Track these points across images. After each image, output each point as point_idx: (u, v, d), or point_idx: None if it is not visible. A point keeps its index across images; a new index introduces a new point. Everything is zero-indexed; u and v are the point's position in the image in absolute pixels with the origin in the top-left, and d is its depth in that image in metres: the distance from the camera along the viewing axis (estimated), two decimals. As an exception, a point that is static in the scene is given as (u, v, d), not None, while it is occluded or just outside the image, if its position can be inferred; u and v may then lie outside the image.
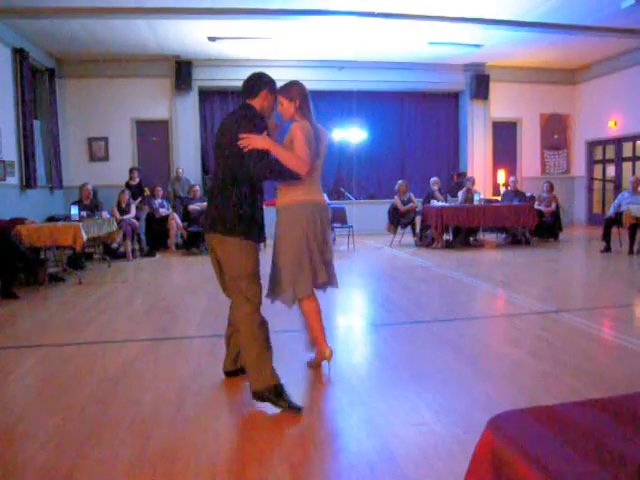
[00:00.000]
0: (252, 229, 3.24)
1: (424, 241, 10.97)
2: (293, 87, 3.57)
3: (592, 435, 1.43)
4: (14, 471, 2.48)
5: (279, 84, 3.51)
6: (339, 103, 14.01)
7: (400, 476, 2.34)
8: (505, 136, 14.51)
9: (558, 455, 1.35)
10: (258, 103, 3.40)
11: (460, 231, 11.09)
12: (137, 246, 10.49)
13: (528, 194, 11.94)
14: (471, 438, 1.72)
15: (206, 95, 13.45)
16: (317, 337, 3.64)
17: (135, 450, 2.63)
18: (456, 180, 13.22)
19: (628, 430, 1.45)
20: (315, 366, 3.75)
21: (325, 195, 3.58)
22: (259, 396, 3.13)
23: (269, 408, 3.10)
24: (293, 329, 4.38)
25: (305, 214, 3.49)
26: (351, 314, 5.75)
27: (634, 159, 13.18)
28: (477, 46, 12.07)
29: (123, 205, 10.44)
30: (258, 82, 3.45)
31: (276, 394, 3.09)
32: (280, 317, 4.28)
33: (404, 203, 11.19)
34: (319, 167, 3.60)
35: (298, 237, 3.48)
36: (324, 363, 3.71)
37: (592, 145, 14.47)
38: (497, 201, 12.14)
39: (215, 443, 2.71)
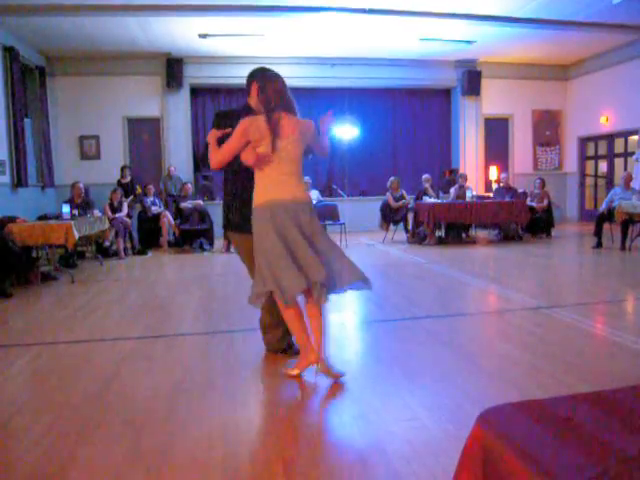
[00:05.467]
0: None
1: (416, 238, 10.98)
2: (256, 75, 3.56)
3: (582, 429, 1.44)
4: (6, 469, 2.47)
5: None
6: (331, 100, 13.95)
7: (392, 472, 2.35)
8: (497, 132, 14.54)
9: (548, 449, 1.36)
10: (252, 99, 3.52)
11: (452, 228, 11.11)
12: (129, 244, 10.46)
13: (520, 190, 11.98)
14: (463, 433, 1.73)
15: (197, 92, 13.42)
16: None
17: (128, 448, 2.62)
18: (448, 177, 13.25)
19: (618, 424, 1.46)
20: (297, 374, 3.51)
21: (297, 190, 3.38)
22: None
23: (262, 406, 3.10)
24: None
25: (261, 218, 3.32)
26: (343, 311, 5.75)
27: (626, 155, 13.23)
28: (469, 42, 12.09)
29: (115, 203, 10.41)
30: (248, 79, 3.66)
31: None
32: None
33: (396, 200, 11.20)
34: (285, 164, 3.34)
35: (256, 239, 3.39)
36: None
37: (584, 141, 14.52)
38: (489, 197, 12.17)
39: (208, 440, 2.70)
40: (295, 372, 3.46)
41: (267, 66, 3.75)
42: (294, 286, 3.20)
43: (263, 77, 3.43)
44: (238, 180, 3.66)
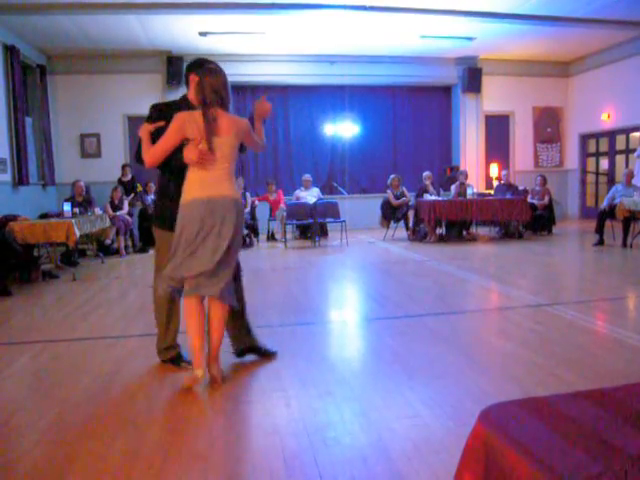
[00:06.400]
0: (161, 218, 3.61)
1: (417, 235, 10.98)
2: (193, 68, 3.44)
3: (583, 426, 1.44)
4: (8, 467, 2.47)
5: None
6: (331, 98, 13.99)
7: (393, 469, 2.35)
8: (498, 129, 14.51)
9: (549, 446, 1.36)
10: (190, 93, 3.47)
11: (453, 225, 11.10)
12: (130, 242, 10.47)
13: (521, 187, 11.96)
14: (464, 431, 1.73)
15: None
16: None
17: (129, 446, 2.63)
18: (449, 174, 13.24)
19: (619, 421, 1.46)
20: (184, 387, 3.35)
21: (225, 188, 3.29)
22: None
23: (263, 403, 3.11)
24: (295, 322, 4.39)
25: (184, 214, 3.24)
26: (344, 308, 5.76)
27: (627, 152, 13.20)
28: (469, 39, 12.05)
29: (116, 201, 10.41)
30: (186, 70, 3.55)
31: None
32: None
33: (397, 197, 11.20)
34: (218, 162, 3.25)
35: (176, 235, 3.29)
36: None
37: (585, 138, 14.49)
38: (490, 195, 12.16)
39: (208, 438, 2.71)
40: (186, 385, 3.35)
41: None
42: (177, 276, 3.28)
43: (202, 71, 3.30)
44: (177, 179, 3.40)
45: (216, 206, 3.21)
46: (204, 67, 3.37)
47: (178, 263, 3.24)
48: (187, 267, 3.23)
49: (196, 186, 3.24)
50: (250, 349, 3.81)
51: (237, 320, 3.72)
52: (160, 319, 3.70)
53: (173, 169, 3.39)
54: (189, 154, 3.19)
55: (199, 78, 3.27)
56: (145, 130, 3.30)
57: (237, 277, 3.67)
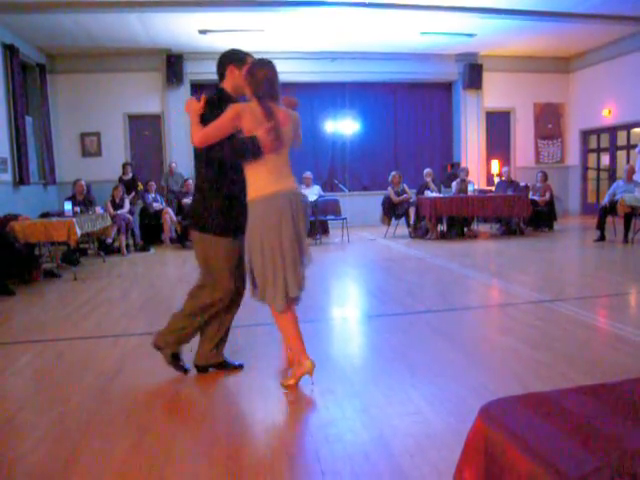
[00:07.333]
0: (217, 222, 3.29)
1: (418, 232, 10.97)
2: (234, 58, 3.40)
3: (583, 421, 1.44)
4: (12, 465, 2.48)
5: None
6: (332, 95, 13.97)
7: (395, 465, 2.36)
8: (499, 126, 14.48)
9: (549, 441, 1.36)
10: (228, 83, 3.40)
11: (454, 222, 11.09)
12: (131, 241, 10.48)
13: (522, 184, 11.95)
14: (465, 427, 1.73)
15: (198, 88, 13.36)
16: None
17: (132, 444, 2.63)
18: (450, 171, 13.23)
19: (619, 416, 1.46)
20: (294, 383, 3.28)
21: (294, 181, 3.25)
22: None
23: (265, 401, 3.11)
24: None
25: (268, 209, 3.08)
26: (345, 305, 5.76)
27: (628, 148, 13.18)
28: (470, 35, 12.03)
29: (117, 200, 10.41)
30: (222, 62, 3.47)
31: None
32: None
33: (398, 194, 11.19)
34: (283, 154, 3.18)
35: (259, 236, 3.10)
36: (306, 378, 3.29)
37: (586, 134, 14.46)
38: (491, 191, 12.14)
39: (211, 436, 2.71)
40: (292, 382, 3.26)
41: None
42: (296, 287, 3.15)
43: (255, 63, 3.23)
44: (233, 176, 3.26)
45: (298, 199, 3.18)
46: (246, 59, 3.36)
47: (297, 266, 3.16)
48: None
49: (272, 178, 3.11)
50: (216, 365, 3.58)
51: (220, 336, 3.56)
52: (187, 326, 3.51)
53: (224, 162, 3.20)
54: (266, 139, 3.03)
55: (252, 68, 3.18)
56: (195, 108, 3.13)
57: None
